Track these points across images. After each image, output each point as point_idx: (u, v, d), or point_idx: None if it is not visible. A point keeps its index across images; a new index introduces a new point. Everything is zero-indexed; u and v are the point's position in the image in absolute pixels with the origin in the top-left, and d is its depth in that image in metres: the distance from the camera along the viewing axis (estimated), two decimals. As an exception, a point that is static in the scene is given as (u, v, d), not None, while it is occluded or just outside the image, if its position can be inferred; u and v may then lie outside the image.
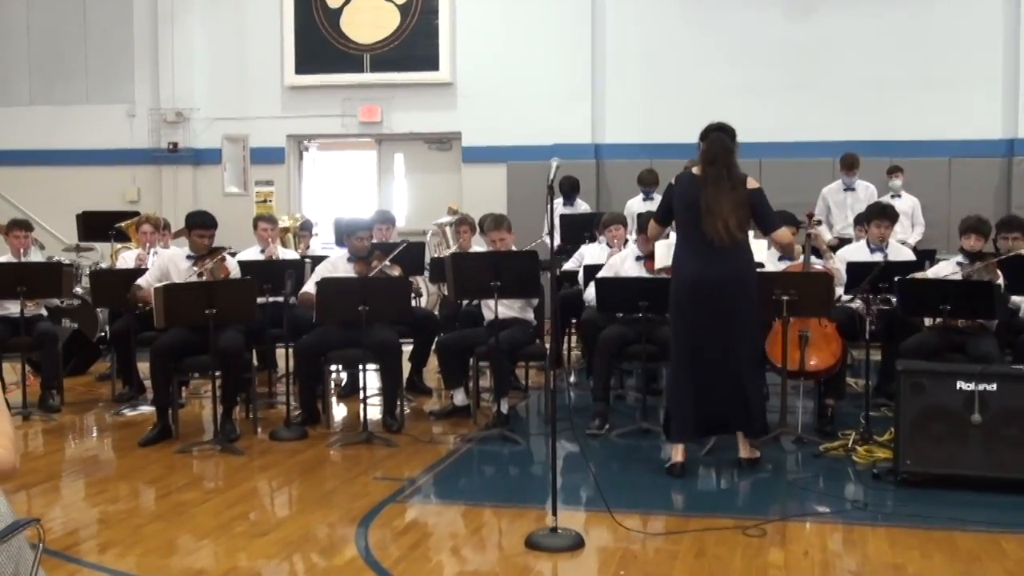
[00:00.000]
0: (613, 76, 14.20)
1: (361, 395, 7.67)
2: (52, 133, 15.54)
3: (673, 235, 6.74)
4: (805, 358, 7.21)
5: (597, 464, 6.59)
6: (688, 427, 6.39)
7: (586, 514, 5.71)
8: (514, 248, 8.27)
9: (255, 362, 8.34)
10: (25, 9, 15.71)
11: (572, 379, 9.74)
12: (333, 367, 8.50)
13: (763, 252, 7.35)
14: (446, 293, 9.13)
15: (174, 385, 7.64)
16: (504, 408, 7.71)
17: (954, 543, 5.16)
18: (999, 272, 7.44)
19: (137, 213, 10.92)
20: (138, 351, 8.60)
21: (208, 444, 7.29)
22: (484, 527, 5.63)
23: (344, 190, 15.92)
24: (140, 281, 8.07)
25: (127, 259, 9.73)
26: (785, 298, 6.91)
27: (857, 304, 7.63)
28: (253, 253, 9.19)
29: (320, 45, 14.82)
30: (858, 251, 8.35)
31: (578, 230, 10.78)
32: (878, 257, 8.03)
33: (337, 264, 8.15)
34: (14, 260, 8.85)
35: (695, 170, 6.34)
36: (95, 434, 8.18)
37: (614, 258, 8.28)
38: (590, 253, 9.36)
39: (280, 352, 8.94)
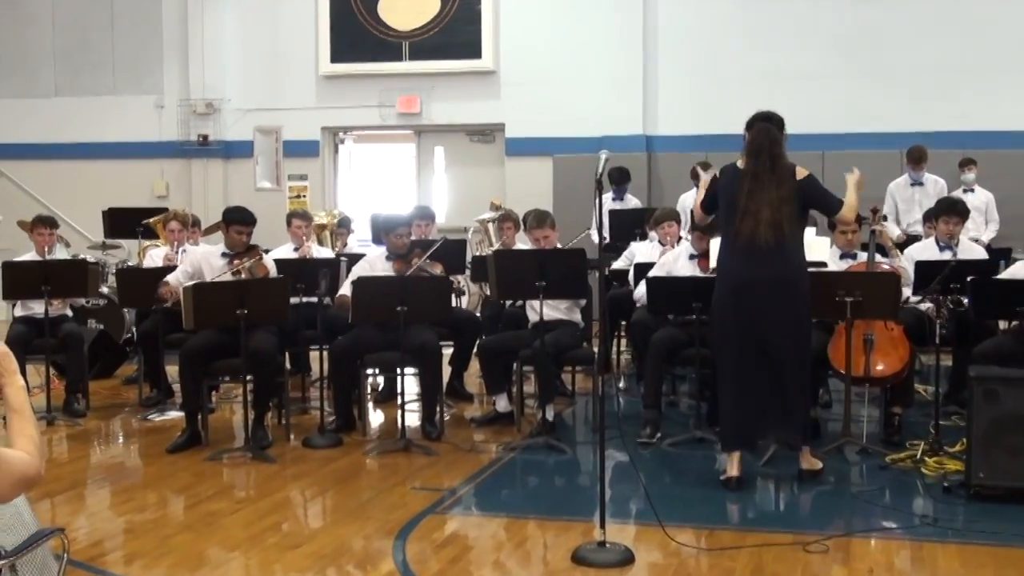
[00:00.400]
0: (666, 62, 14.15)
1: (399, 401, 7.69)
2: (77, 125, 15.74)
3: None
4: (870, 363, 7.15)
5: (648, 475, 6.57)
6: (733, 437, 6.37)
7: (636, 528, 5.70)
8: (559, 246, 8.26)
9: (288, 365, 8.40)
10: (50, -5, 15.94)
11: (621, 384, 9.72)
12: (369, 371, 8.53)
13: (825, 251, 7.30)
14: (488, 293, 9.15)
15: (204, 389, 7.69)
16: (549, 415, 7.70)
17: (1030, 562, 5.12)
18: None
19: (165, 209, 11.02)
20: (166, 353, 8.67)
21: (239, 451, 7.34)
22: (528, 541, 5.64)
23: (381, 185, 16.00)
24: (168, 278, 8.14)
25: (155, 257, 9.78)
26: (849, 299, 6.86)
27: (926, 306, 7.56)
28: (286, 251, 9.26)
29: (357, 32, 14.90)
30: (926, 249, 8.28)
31: (628, 226, 10.77)
32: (947, 255, 7.95)
33: (375, 263, 8.17)
34: (39, 258, 8.95)
35: (740, 163, 6.31)
36: (121, 440, 8.27)
37: (666, 256, 8.25)
38: (641, 251, 9.34)
39: (314, 355, 8.97)
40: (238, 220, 8.03)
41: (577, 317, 8.13)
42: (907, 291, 7.56)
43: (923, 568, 5.10)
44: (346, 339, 7.92)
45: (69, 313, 9.17)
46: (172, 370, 8.56)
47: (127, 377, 10.13)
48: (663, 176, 13.91)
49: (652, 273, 7.93)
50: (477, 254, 10.21)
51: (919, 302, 7.67)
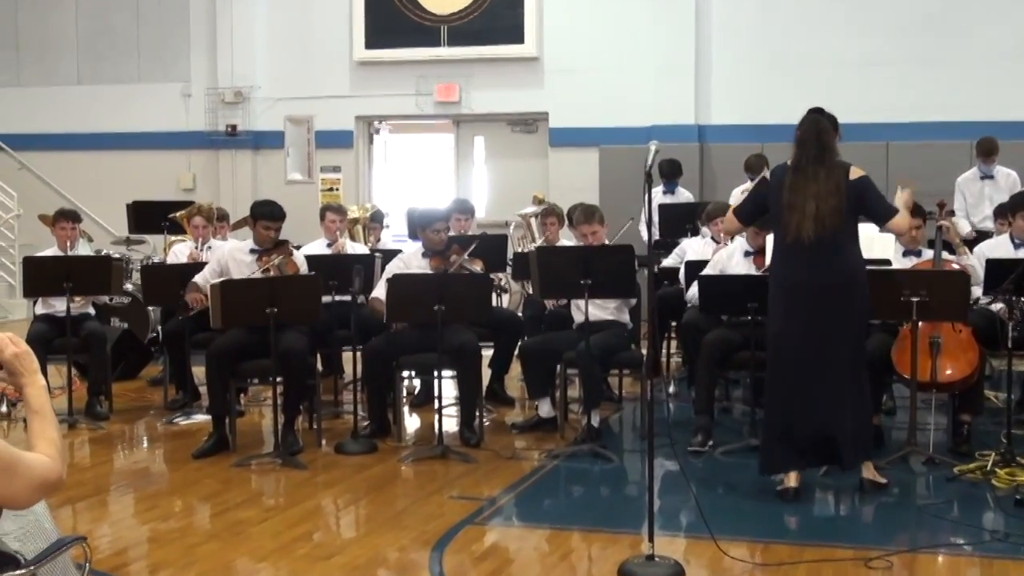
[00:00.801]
0: (719, 47, 14.10)
1: (436, 405, 7.72)
2: (101, 115, 15.89)
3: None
4: (937, 368, 7.09)
5: (699, 485, 6.54)
6: (766, 463, 6.34)
7: (686, 541, 5.69)
8: (607, 242, 8.26)
9: (320, 367, 8.43)
10: (73, -20, 16.10)
11: (672, 389, 9.70)
12: (405, 373, 8.56)
13: (889, 248, 7.24)
14: (531, 292, 9.15)
15: (231, 392, 7.73)
16: (595, 421, 7.69)
17: (1110, 581, 5.07)
18: None
19: (192, 202, 11.08)
20: (193, 354, 8.73)
21: (268, 457, 7.38)
22: (572, 553, 5.63)
23: (418, 177, 16.05)
24: (197, 278, 8.19)
25: (179, 253, 9.82)
26: (915, 300, 6.80)
27: (998, 307, 7.48)
28: (319, 247, 9.28)
29: (393, 16, 14.93)
30: (999, 246, 8.19)
31: (679, 222, 10.74)
32: (1022, 253, 7.87)
33: (410, 261, 8.18)
34: (60, 254, 9.03)
35: (789, 160, 6.26)
36: (146, 444, 8.35)
37: (720, 253, 8.21)
38: (692, 248, 9.31)
39: (347, 356, 9.02)
40: (265, 215, 8.06)
41: (625, 318, 8.11)
42: (977, 291, 7.49)
43: (994, 587, 5.06)
44: (381, 340, 7.94)
45: (92, 311, 9.25)
46: (199, 371, 8.61)
47: (152, 378, 10.21)
48: (716, 168, 13.86)
49: (704, 271, 7.91)
50: (519, 250, 10.22)
51: (990, 303, 7.59)
